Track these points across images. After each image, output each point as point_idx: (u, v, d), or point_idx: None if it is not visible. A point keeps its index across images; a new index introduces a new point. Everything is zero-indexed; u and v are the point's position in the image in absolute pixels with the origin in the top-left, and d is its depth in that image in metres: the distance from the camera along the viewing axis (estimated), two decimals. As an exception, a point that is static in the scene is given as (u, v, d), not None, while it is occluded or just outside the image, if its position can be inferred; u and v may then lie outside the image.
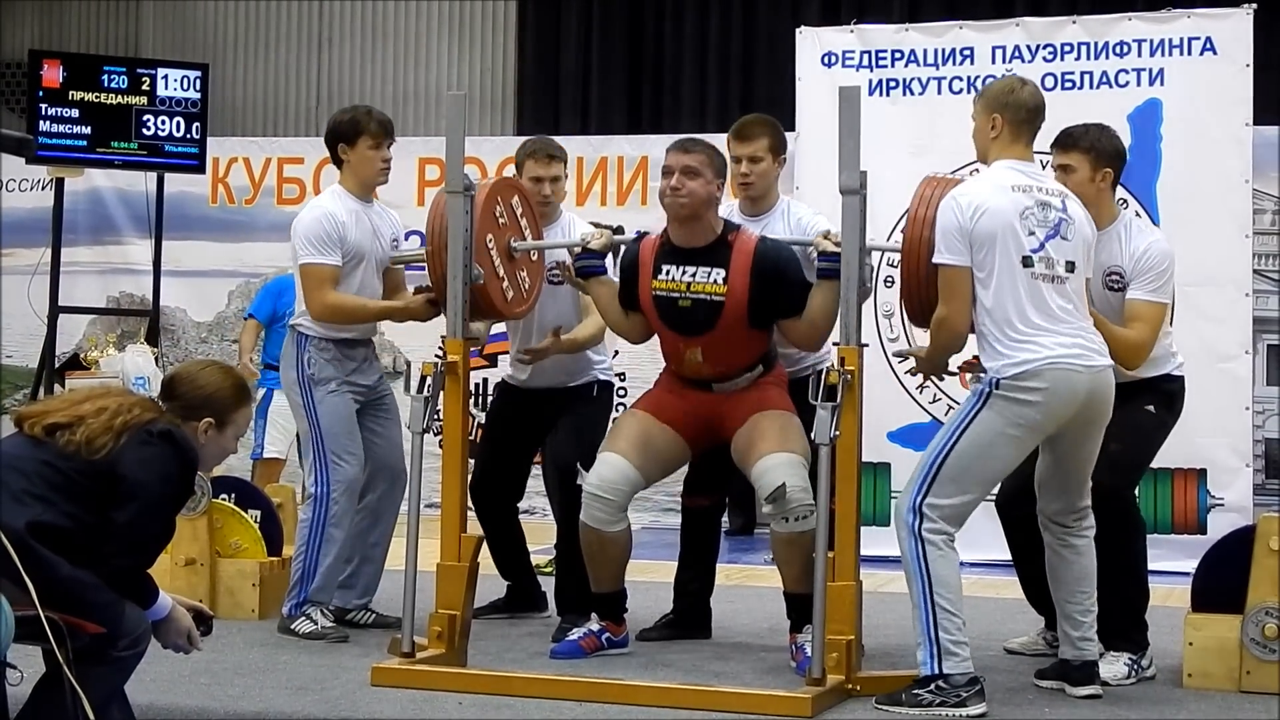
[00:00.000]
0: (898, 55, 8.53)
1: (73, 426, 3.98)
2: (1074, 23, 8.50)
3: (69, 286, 10.20)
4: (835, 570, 4.86)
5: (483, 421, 9.80)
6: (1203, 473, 8.06)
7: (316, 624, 5.70)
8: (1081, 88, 8.11)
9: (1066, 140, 5.26)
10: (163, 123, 9.63)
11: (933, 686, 4.65)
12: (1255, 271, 8.60)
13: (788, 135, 5.90)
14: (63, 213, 9.86)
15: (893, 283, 8.36)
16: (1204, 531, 7.81)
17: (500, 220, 5.55)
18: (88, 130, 9.48)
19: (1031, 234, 4.76)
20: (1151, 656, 5.24)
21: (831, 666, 4.79)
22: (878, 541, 7.83)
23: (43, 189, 10.89)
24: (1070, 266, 4.81)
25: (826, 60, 8.62)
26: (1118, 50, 8.17)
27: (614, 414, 6.17)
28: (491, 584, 6.07)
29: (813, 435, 4.83)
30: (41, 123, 9.39)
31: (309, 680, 5.02)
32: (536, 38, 12.62)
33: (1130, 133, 7.71)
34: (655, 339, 5.57)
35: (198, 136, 9.76)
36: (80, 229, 11.13)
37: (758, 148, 5.66)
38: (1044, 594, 5.18)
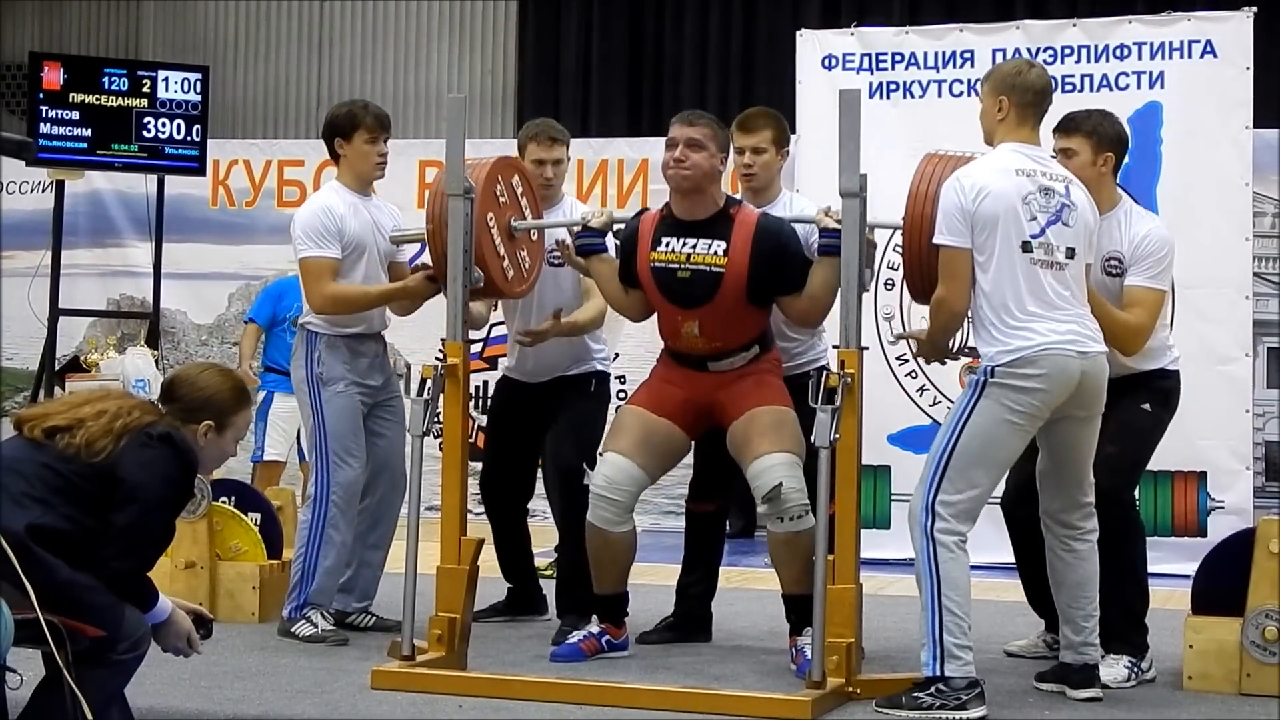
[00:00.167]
0: (898, 58, 8.54)
1: (72, 429, 3.98)
2: (1074, 25, 8.51)
3: (69, 289, 10.20)
4: (835, 573, 4.86)
5: (482, 424, 9.83)
6: (1203, 475, 8.05)
7: (316, 627, 5.70)
8: (1081, 90, 8.10)
9: (1069, 124, 5.27)
10: (163, 125, 9.63)
11: (933, 689, 4.65)
12: (1255, 274, 8.60)
13: (787, 138, 5.91)
14: (63, 215, 9.86)
15: (893, 285, 8.38)
16: (1204, 534, 7.81)
17: (501, 199, 5.55)
18: (88, 132, 9.47)
19: (1033, 219, 4.76)
20: (1151, 659, 5.24)
21: (832, 669, 4.79)
22: (878, 544, 7.88)
23: (43, 191, 10.89)
24: (1070, 253, 4.81)
25: (827, 63, 8.62)
26: (1118, 53, 8.17)
27: (612, 407, 6.15)
28: (491, 587, 6.07)
29: (812, 438, 4.83)
30: (42, 125, 9.40)
31: (309, 683, 5.02)
32: (537, 40, 12.61)
33: (1130, 135, 7.70)
34: (654, 327, 5.58)
35: (198, 139, 9.76)
36: (80, 231, 11.13)
37: (761, 139, 5.68)
38: (1046, 597, 5.18)
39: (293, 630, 5.71)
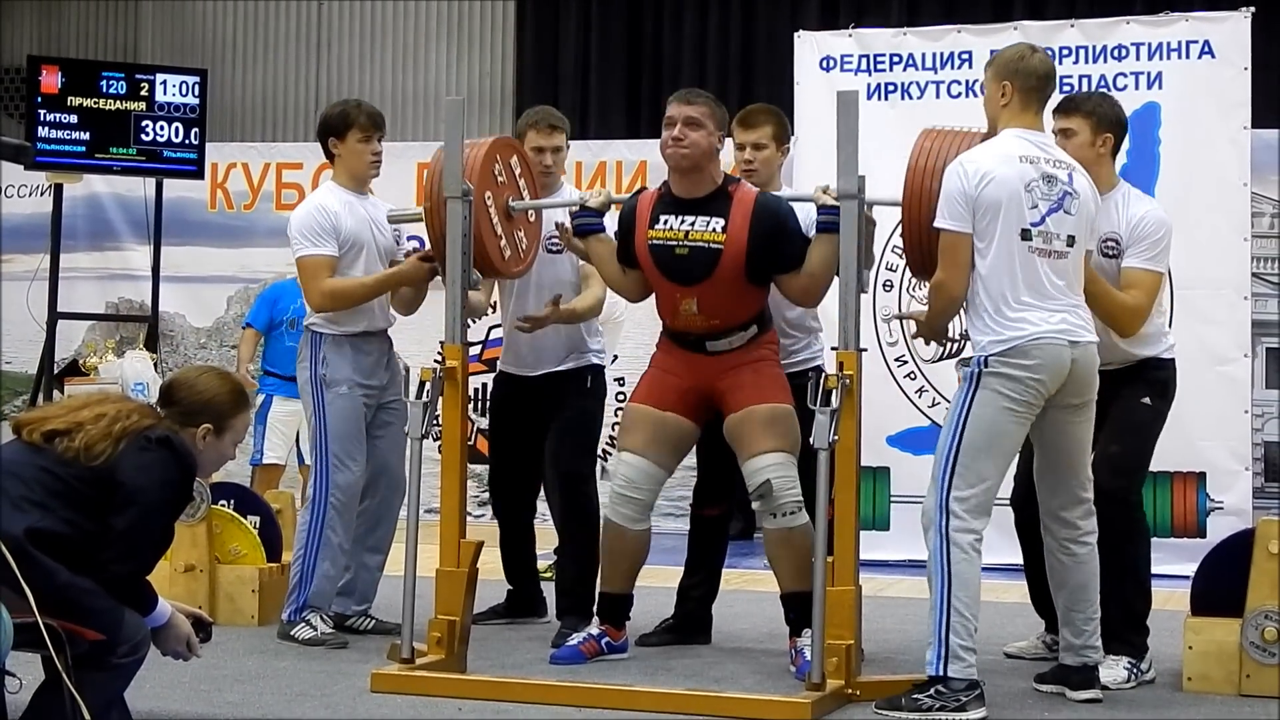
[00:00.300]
0: (896, 59, 8.54)
1: (71, 433, 3.98)
2: (1072, 26, 8.52)
3: (68, 292, 10.18)
4: (835, 575, 4.86)
5: (481, 427, 9.83)
6: (1202, 476, 8.05)
7: (316, 630, 5.70)
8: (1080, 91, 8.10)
9: (1068, 105, 5.28)
10: (161, 128, 9.61)
11: (932, 691, 4.65)
12: (1254, 275, 8.60)
13: (786, 139, 5.91)
14: (61, 218, 9.84)
15: (891, 286, 8.38)
16: (1203, 535, 7.82)
17: (499, 179, 5.56)
18: (86, 136, 9.46)
19: (1034, 206, 4.76)
20: (1151, 660, 5.24)
21: (831, 671, 4.79)
22: (877, 546, 7.89)
23: (41, 195, 10.88)
24: (1070, 241, 4.81)
25: (825, 64, 8.63)
26: (1116, 54, 8.18)
27: (611, 407, 6.16)
28: (491, 589, 6.07)
29: (811, 440, 4.83)
30: (40, 128, 9.38)
31: (308, 686, 5.02)
32: (535, 41, 12.62)
33: (1128, 136, 7.71)
34: (654, 329, 5.57)
35: (196, 142, 9.75)
36: (79, 235, 11.12)
37: (761, 135, 5.71)
38: (1049, 598, 5.17)
39: (292, 633, 5.71)
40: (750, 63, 11.95)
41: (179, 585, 5.99)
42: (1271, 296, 9.40)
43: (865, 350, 5.04)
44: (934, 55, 8.50)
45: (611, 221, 5.60)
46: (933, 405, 8.31)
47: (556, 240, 5.85)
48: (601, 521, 5.54)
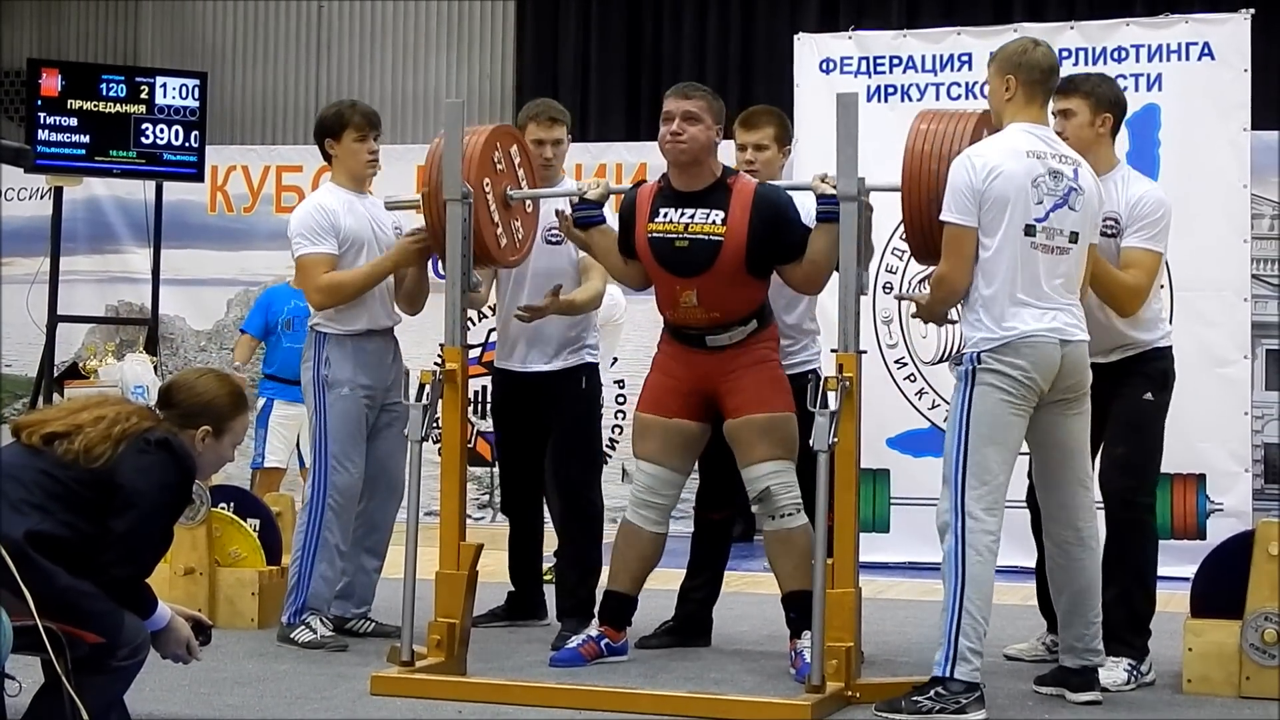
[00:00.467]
0: (896, 61, 8.55)
1: (71, 435, 3.98)
2: (1072, 28, 8.52)
3: (68, 295, 10.19)
4: (834, 577, 4.86)
5: (481, 429, 9.84)
6: (1202, 478, 8.05)
7: (316, 633, 5.69)
8: (1079, 93, 8.10)
9: (1067, 85, 5.28)
10: (161, 131, 9.62)
11: (932, 693, 4.64)
12: (1254, 276, 8.60)
13: (785, 141, 5.92)
14: (61, 221, 9.84)
15: (891, 288, 8.38)
16: (1203, 536, 7.81)
17: (498, 166, 5.56)
18: (86, 139, 9.46)
19: (1040, 202, 4.77)
20: (1151, 662, 5.24)
21: (831, 673, 4.79)
22: (877, 548, 7.88)
23: (41, 198, 10.86)
24: (1074, 237, 4.81)
25: (824, 66, 8.63)
26: (1116, 56, 8.18)
27: (611, 409, 6.18)
28: (491, 592, 6.06)
29: (811, 442, 4.83)
30: (40, 131, 9.39)
31: (308, 689, 5.02)
32: (535, 43, 12.61)
33: (1128, 138, 7.71)
34: (653, 331, 5.58)
35: (196, 145, 9.75)
36: (79, 238, 11.12)
37: (763, 135, 5.72)
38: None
39: (292, 636, 5.71)
40: (750, 65, 11.95)
41: (178, 588, 5.98)
42: (1271, 298, 9.40)
43: (865, 352, 5.04)
44: (934, 57, 8.50)
45: (610, 213, 5.61)
46: (933, 407, 8.31)
47: (556, 232, 5.85)
48: (619, 523, 5.55)
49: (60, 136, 9.43)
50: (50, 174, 9.67)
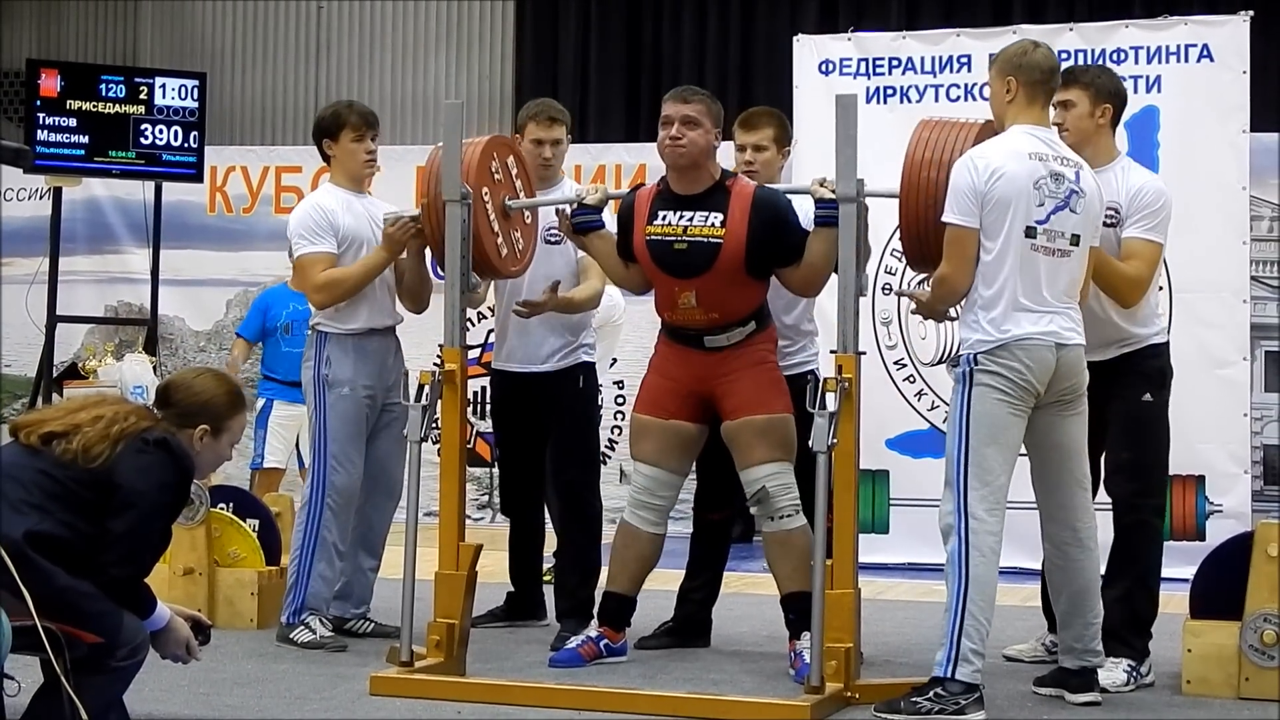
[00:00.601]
0: (895, 63, 8.54)
1: (69, 435, 3.98)
2: (1071, 30, 8.52)
3: (67, 296, 10.18)
4: (834, 578, 4.86)
5: (480, 430, 9.84)
6: (1201, 479, 8.05)
7: (315, 633, 5.69)
8: (1078, 94, 8.10)
9: (1067, 76, 5.29)
10: (160, 132, 9.61)
11: (931, 694, 4.65)
12: (1253, 278, 8.61)
13: (784, 143, 5.92)
14: (60, 222, 9.84)
15: (890, 289, 8.38)
16: (1203, 538, 7.81)
17: (496, 176, 5.56)
18: (85, 139, 9.46)
19: (1041, 204, 4.77)
20: (1151, 663, 5.24)
21: (830, 674, 4.79)
22: (876, 549, 7.88)
23: (41, 198, 10.86)
24: (1075, 240, 4.82)
25: (824, 68, 8.63)
26: (1115, 57, 8.17)
27: (611, 411, 6.19)
28: (490, 592, 6.06)
29: (810, 443, 4.83)
30: (39, 132, 9.38)
31: (308, 690, 5.02)
32: (534, 45, 12.61)
33: (1127, 140, 7.70)
34: (652, 334, 5.58)
35: (195, 145, 9.75)
36: (78, 238, 11.12)
37: (762, 136, 5.72)
38: None
39: (291, 636, 5.71)
40: (749, 66, 11.95)
41: (178, 588, 5.98)
42: (1271, 300, 9.40)
43: (864, 354, 5.05)
44: (933, 59, 8.50)
45: (609, 217, 5.61)
46: (932, 408, 8.31)
47: (555, 231, 5.86)
48: (617, 523, 5.55)
49: (59, 137, 9.42)
50: (49, 174, 9.66)
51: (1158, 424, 5.29)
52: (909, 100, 8.47)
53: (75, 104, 9.43)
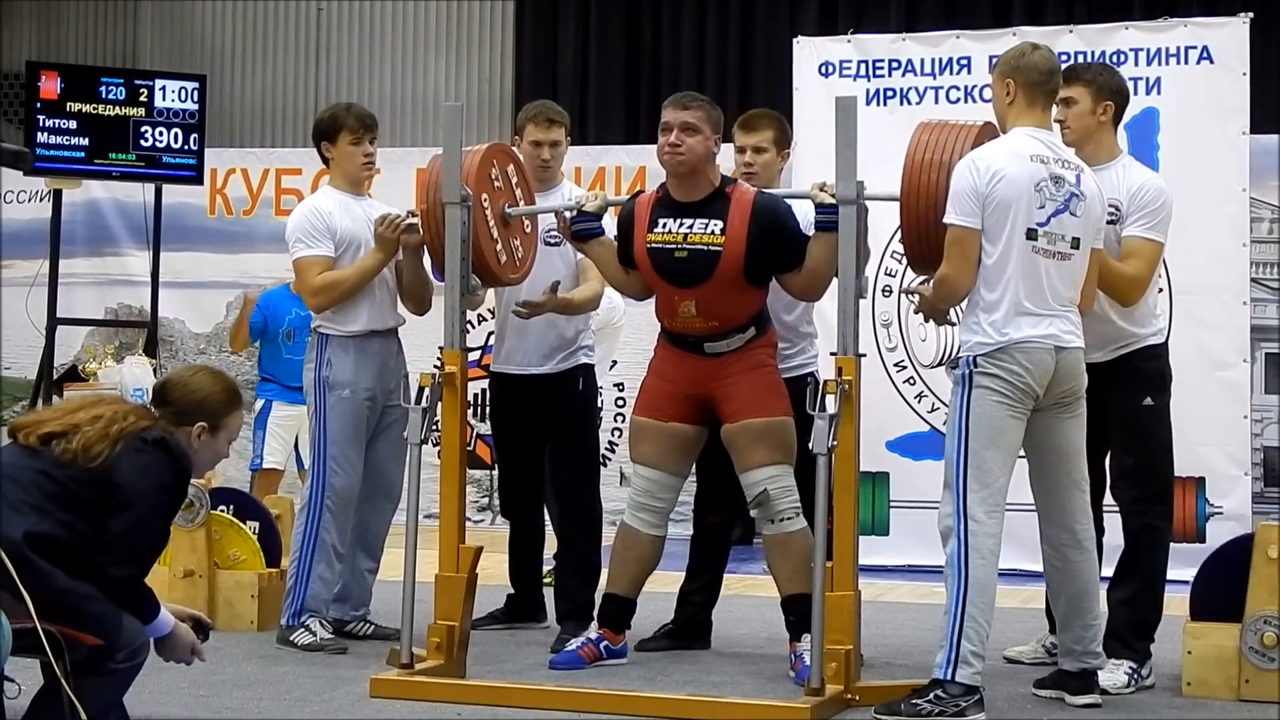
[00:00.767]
0: (895, 65, 8.55)
1: (68, 435, 3.98)
2: (1071, 32, 8.53)
3: (67, 298, 10.18)
4: (834, 580, 4.86)
5: (480, 432, 9.83)
6: (1201, 481, 8.06)
7: (315, 636, 5.69)
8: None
9: (1069, 74, 5.30)
10: (160, 134, 9.61)
11: (931, 696, 4.64)
12: (1253, 280, 8.61)
13: (784, 144, 5.92)
14: (60, 224, 9.84)
15: (890, 291, 8.38)
16: (1203, 540, 7.81)
17: (495, 183, 5.56)
18: (85, 142, 9.45)
19: (1042, 206, 4.78)
20: (1151, 665, 5.24)
21: (830, 676, 4.79)
22: (876, 551, 7.88)
23: (41, 200, 10.87)
24: (1075, 243, 4.82)
25: (824, 70, 8.64)
26: (1115, 59, 8.17)
27: (611, 413, 6.18)
28: (490, 594, 6.06)
29: (810, 445, 4.83)
30: (39, 134, 9.38)
31: (308, 692, 5.02)
32: (534, 47, 12.61)
33: (1127, 141, 7.69)
34: (652, 335, 5.58)
35: (195, 148, 9.74)
36: (78, 240, 11.13)
37: (762, 138, 5.72)
38: None
39: (291, 639, 5.71)
40: (749, 68, 11.95)
41: (178, 590, 5.98)
42: (1271, 302, 9.41)
43: (864, 355, 5.04)
44: (933, 61, 8.50)
45: (610, 224, 5.61)
46: (932, 410, 8.31)
47: (554, 233, 5.85)
48: (617, 526, 5.55)
49: (59, 139, 9.42)
50: (49, 176, 9.66)
51: (1159, 428, 5.29)
52: (909, 102, 8.47)
53: (75, 106, 9.43)
